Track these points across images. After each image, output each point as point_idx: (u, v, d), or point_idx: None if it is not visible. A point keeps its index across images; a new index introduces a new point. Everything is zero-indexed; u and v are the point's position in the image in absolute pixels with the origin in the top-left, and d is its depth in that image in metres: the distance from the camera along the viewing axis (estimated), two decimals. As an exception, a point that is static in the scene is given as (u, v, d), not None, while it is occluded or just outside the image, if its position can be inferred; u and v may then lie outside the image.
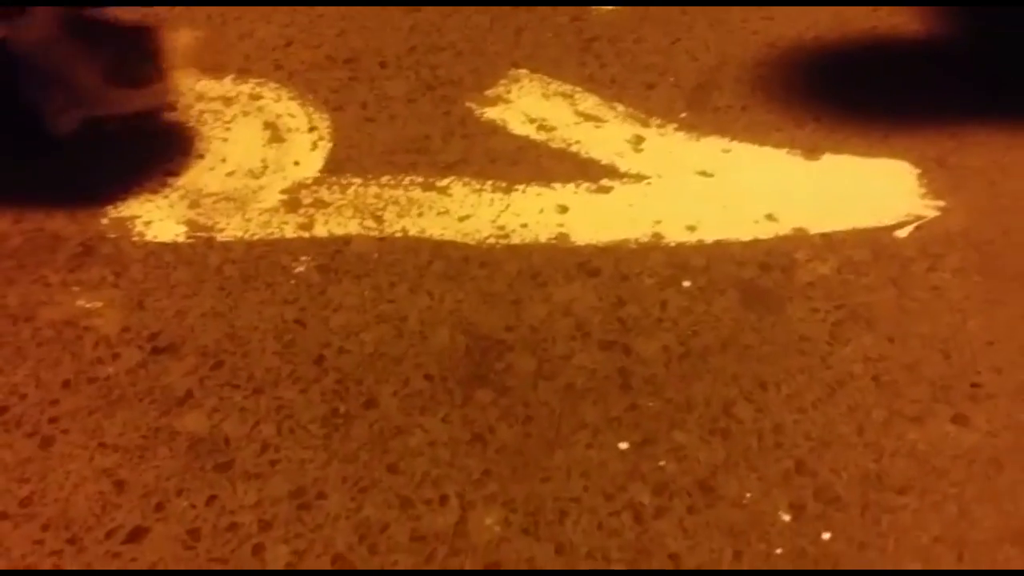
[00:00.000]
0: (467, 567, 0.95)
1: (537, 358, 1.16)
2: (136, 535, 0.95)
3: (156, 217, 1.31)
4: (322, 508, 0.99)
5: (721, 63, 1.68)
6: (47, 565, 0.92)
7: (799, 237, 1.34)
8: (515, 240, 1.32)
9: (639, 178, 1.43)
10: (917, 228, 1.34)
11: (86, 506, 0.97)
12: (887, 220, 1.36)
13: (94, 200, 1.33)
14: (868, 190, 1.41)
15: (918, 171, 1.44)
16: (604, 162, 1.46)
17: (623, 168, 1.45)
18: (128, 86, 1.46)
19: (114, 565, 0.93)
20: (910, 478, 1.04)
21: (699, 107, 1.58)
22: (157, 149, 1.43)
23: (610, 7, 1.81)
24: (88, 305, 1.18)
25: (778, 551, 0.97)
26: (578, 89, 1.61)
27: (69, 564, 0.92)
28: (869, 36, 1.76)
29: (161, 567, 0.93)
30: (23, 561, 0.92)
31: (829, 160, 1.48)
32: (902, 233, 1.34)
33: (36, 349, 1.12)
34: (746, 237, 1.34)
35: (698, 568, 0.95)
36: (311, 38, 1.70)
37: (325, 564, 0.94)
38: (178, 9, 1.72)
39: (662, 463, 1.05)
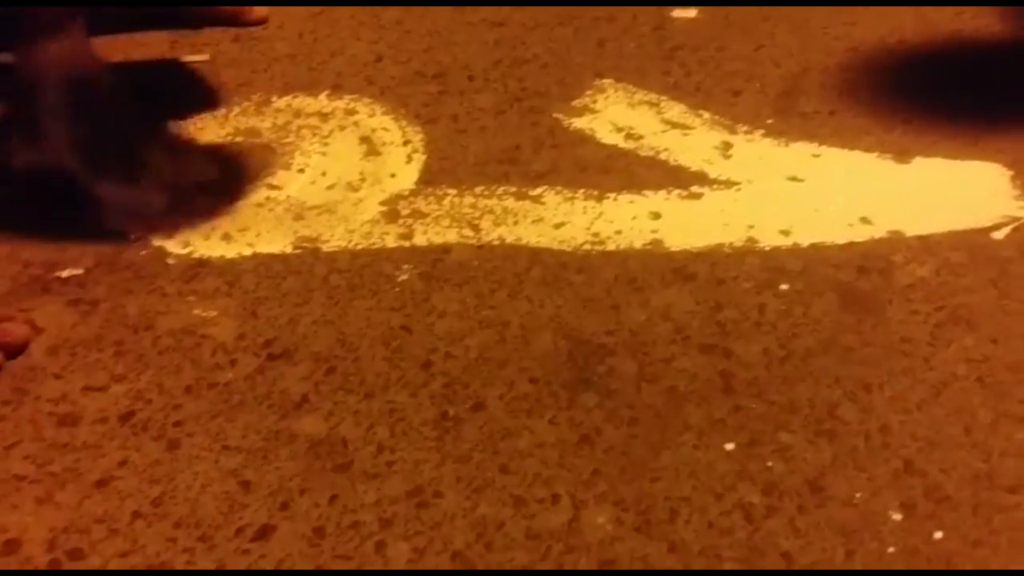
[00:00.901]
0: (582, 565, 0.97)
1: (638, 361, 1.18)
2: (264, 533, 0.99)
3: (263, 229, 1.36)
4: (439, 507, 1.02)
5: (805, 69, 1.69)
6: (180, 562, 0.96)
7: (895, 240, 1.34)
8: (610, 246, 1.35)
9: (729, 184, 1.45)
10: (1014, 230, 1.34)
11: (214, 505, 1.01)
12: (983, 222, 1.36)
13: (203, 213, 1.38)
14: (962, 192, 1.41)
15: (1011, 173, 1.44)
16: (693, 169, 1.48)
17: (713, 174, 1.47)
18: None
19: (243, 562, 0.96)
20: (1021, 477, 1.04)
21: (786, 113, 1.59)
22: (260, 164, 1.48)
23: (691, 16, 1.83)
24: (204, 314, 1.23)
25: (890, 550, 0.98)
26: (663, 98, 1.63)
27: (201, 561, 0.96)
28: (954, 38, 1.75)
29: (288, 564, 0.96)
30: (157, 559, 0.97)
31: (920, 163, 1.48)
32: (999, 235, 1.33)
33: (157, 357, 1.17)
34: (841, 240, 1.35)
35: (811, 567, 0.96)
36: (400, 54, 1.74)
37: (444, 561, 0.97)
38: (271, 28, 1.78)
39: (769, 464, 1.06)
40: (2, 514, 1.00)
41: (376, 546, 0.98)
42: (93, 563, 0.96)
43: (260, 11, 1.81)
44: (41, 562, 0.96)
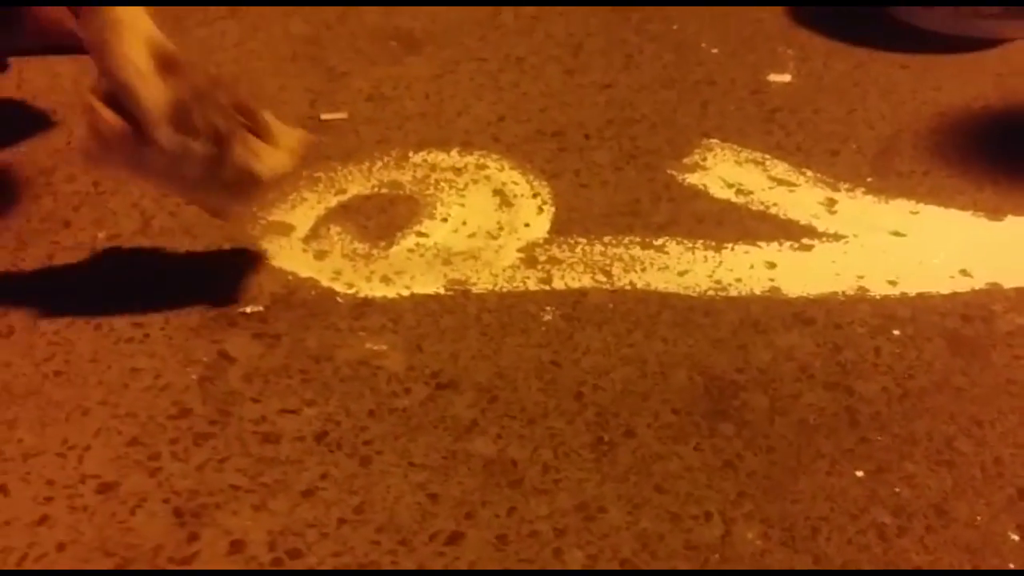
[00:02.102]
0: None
1: (769, 396, 1.31)
2: (454, 538, 1.13)
3: (417, 272, 1.51)
4: (605, 520, 1.15)
5: (898, 131, 1.83)
6: (386, 563, 1.10)
7: (994, 291, 1.47)
8: (732, 292, 1.48)
9: (837, 237, 1.59)
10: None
11: (408, 514, 1.15)
12: (1076, 275, 1.48)
13: (365, 257, 1.53)
14: (1054, 248, 1.54)
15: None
16: (802, 223, 1.62)
17: (821, 228, 1.61)
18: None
19: (440, 563, 1.10)
20: None
21: (883, 172, 1.73)
22: (406, 214, 1.63)
23: (786, 80, 1.98)
24: (375, 348, 1.38)
25: (1011, 566, 1.10)
26: (768, 156, 1.78)
27: (404, 562, 1.10)
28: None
29: (479, 567, 1.10)
30: (366, 558, 1.11)
31: (1012, 220, 1.61)
32: (1090, 286, 1.46)
33: (340, 384, 1.32)
34: (945, 291, 1.48)
35: (944, 579, 1.08)
36: (519, 114, 1.90)
37: (614, 566, 1.10)
38: (400, 89, 1.94)
39: (897, 489, 1.19)
40: (225, 519, 1.15)
41: (554, 552, 1.12)
42: (310, 562, 1.10)
43: None
44: (265, 560, 1.10)
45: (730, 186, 1.71)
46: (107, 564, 1.10)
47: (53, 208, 1.61)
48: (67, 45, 1.90)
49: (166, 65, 1.28)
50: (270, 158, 1.35)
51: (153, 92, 1.26)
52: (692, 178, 1.73)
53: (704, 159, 1.78)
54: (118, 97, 1.26)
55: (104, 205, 1.62)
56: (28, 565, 1.10)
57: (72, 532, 1.13)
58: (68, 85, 1.93)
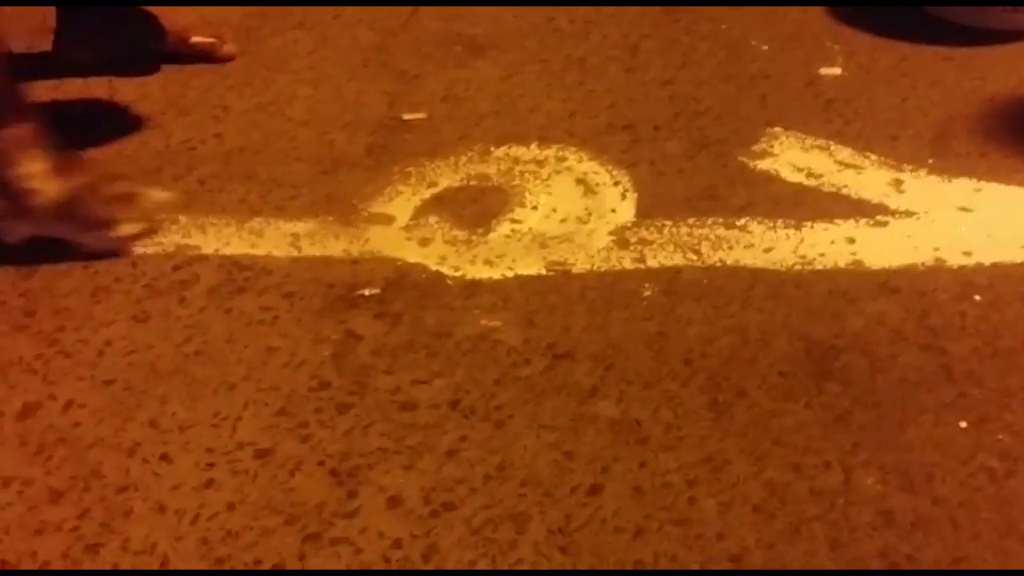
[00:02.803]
0: (863, 517, 1.18)
1: (868, 358, 1.39)
2: (594, 490, 1.21)
3: (517, 256, 1.60)
4: (731, 471, 1.23)
5: (950, 117, 1.93)
6: (534, 513, 1.18)
7: (1064, 258, 1.56)
8: (817, 266, 1.57)
9: (909, 213, 1.68)
10: None
11: (547, 470, 1.23)
12: None
13: (466, 243, 1.62)
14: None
15: None
16: (874, 201, 1.71)
17: (892, 206, 1.70)
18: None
19: (583, 513, 1.18)
20: None
21: (943, 154, 1.82)
22: (496, 203, 1.72)
23: (836, 73, 2.08)
24: (490, 324, 1.46)
25: (1115, 502, 1.18)
26: (831, 143, 1.87)
27: (551, 511, 1.18)
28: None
29: (621, 515, 1.18)
30: (515, 509, 1.18)
31: (1072, 194, 1.70)
32: None
33: (463, 357, 1.40)
34: (1018, 259, 1.57)
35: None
36: (589, 110, 1.99)
37: (747, 512, 1.18)
38: (472, 90, 2.03)
39: (1000, 437, 1.27)
40: (378, 477, 1.22)
41: (688, 501, 1.20)
42: (464, 514, 1.18)
43: (230, 48, 2.11)
44: (423, 513, 1.18)
45: (800, 170, 1.80)
46: (275, 521, 1.17)
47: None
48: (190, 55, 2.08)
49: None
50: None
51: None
52: (763, 164, 1.82)
53: (771, 146, 1.87)
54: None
55: (213, 200, 1.70)
56: (201, 524, 1.17)
57: (238, 493, 1.20)
58: (157, 93, 2.01)
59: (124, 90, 2.02)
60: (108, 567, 1.13)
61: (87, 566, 1.13)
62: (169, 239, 1.61)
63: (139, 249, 1.59)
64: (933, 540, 1.15)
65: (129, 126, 1.88)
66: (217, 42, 2.10)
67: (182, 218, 1.67)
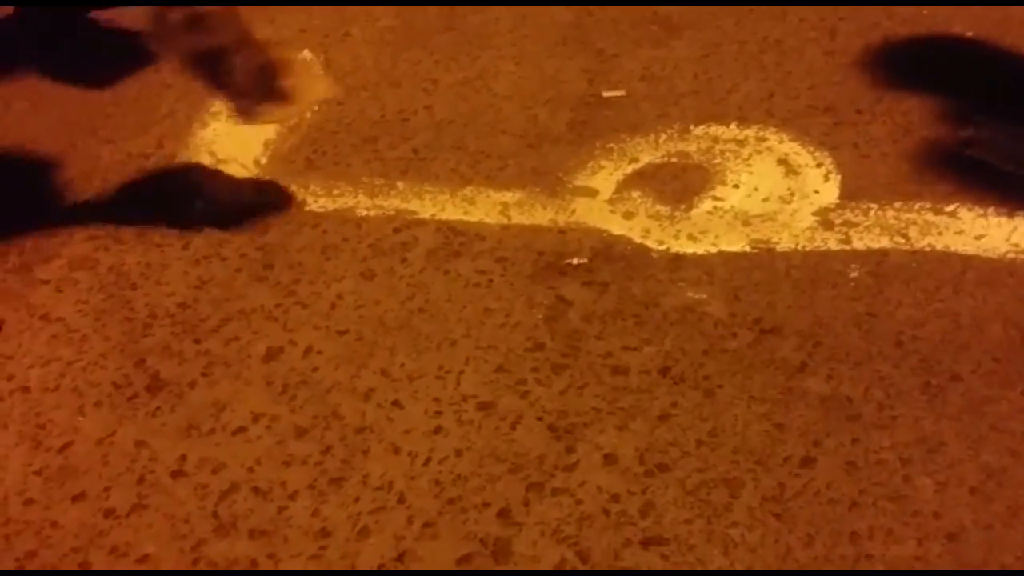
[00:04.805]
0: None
1: (1089, 349, 1.36)
2: (807, 462, 1.24)
3: (720, 232, 1.62)
4: (947, 452, 1.23)
5: None
6: (748, 479, 1.21)
7: None
8: (1033, 255, 1.54)
9: None
10: None
11: (758, 440, 1.26)
12: None
13: (669, 218, 1.65)
14: None
15: None
16: (1092, 193, 1.66)
17: (1113, 197, 1.64)
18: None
19: (796, 484, 1.21)
20: None
21: None
22: (698, 180, 1.75)
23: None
24: (696, 296, 1.50)
25: None
26: (1046, 131, 1.81)
27: (763, 479, 1.21)
28: None
29: (835, 487, 1.20)
30: (728, 475, 1.22)
31: None
32: None
33: (671, 327, 1.44)
34: None
35: None
36: (788, 91, 1.99)
37: (964, 493, 1.19)
38: (668, 69, 2.06)
39: None
40: (594, 436, 1.29)
41: (903, 479, 1.21)
42: (678, 476, 1.23)
43: None
44: (638, 472, 1.24)
45: (1011, 159, 1.76)
46: (500, 469, 1.25)
47: (383, 170, 1.79)
48: None
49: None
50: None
51: None
52: (972, 151, 1.79)
53: (981, 134, 1.83)
54: None
55: (427, 169, 1.79)
56: (433, 467, 1.26)
57: (465, 441, 1.29)
58: (370, 64, 2.12)
59: (338, 60, 2.13)
60: (350, 501, 1.23)
61: (331, 499, 1.23)
62: (389, 203, 1.71)
63: (362, 212, 1.69)
64: None
65: (346, 96, 1.99)
66: None
67: (400, 184, 1.76)
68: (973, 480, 1.20)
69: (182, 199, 1.74)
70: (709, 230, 1.63)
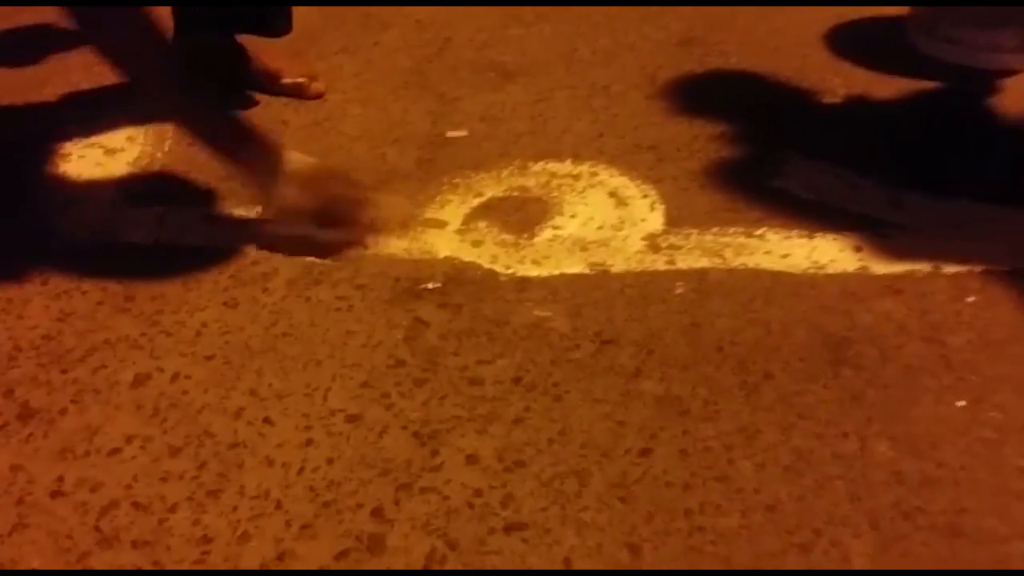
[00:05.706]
0: (878, 476, 1.37)
1: (877, 348, 1.59)
2: (645, 452, 1.39)
3: (560, 257, 1.78)
4: (763, 439, 1.42)
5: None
6: (595, 471, 1.35)
7: (1048, 266, 1.77)
8: (830, 270, 1.77)
9: (903, 227, 1.88)
10: None
11: (603, 436, 1.41)
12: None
13: (514, 245, 1.80)
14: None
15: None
16: (874, 216, 1.92)
17: (891, 220, 1.90)
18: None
19: (637, 471, 1.36)
20: None
21: (934, 177, 2.03)
22: (538, 212, 1.91)
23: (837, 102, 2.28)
24: (542, 314, 1.64)
25: (1093, 468, 1.38)
26: (835, 165, 2.07)
27: (608, 468, 1.35)
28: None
29: (669, 473, 1.36)
30: (578, 466, 1.36)
31: (1053, 212, 1.91)
32: None
33: (520, 342, 1.58)
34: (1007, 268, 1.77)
35: (1044, 474, 1.35)
36: (617, 131, 2.20)
37: (780, 472, 1.36)
38: (507, 111, 2.23)
39: (992, 413, 1.47)
40: (456, 440, 1.40)
41: (727, 462, 1.38)
42: (533, 470, 1.36)
43: (319, 87, 2.29)
44: (497, 469, 1.36)
45: (809, 189, 2.00)
46: (370, 473, 1.35)
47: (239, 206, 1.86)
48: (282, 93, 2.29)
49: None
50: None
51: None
52: (776, 183, 2.02)
53: (784, 167, 2.07)
54: None
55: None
56: (306, 475, 1.34)
57: (335, 451, 1.38)
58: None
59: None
60: (229, 510, 1.29)
61: (211, 509, 1.29)
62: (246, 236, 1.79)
63: (221, 245, 1.76)
64: (939, 496, 1.34)
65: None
66: (306, 82, 2.28)
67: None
68: (786, 460, 1.38)
69: (39, 238, 1.77)
70: (551, 255, 1.79)
